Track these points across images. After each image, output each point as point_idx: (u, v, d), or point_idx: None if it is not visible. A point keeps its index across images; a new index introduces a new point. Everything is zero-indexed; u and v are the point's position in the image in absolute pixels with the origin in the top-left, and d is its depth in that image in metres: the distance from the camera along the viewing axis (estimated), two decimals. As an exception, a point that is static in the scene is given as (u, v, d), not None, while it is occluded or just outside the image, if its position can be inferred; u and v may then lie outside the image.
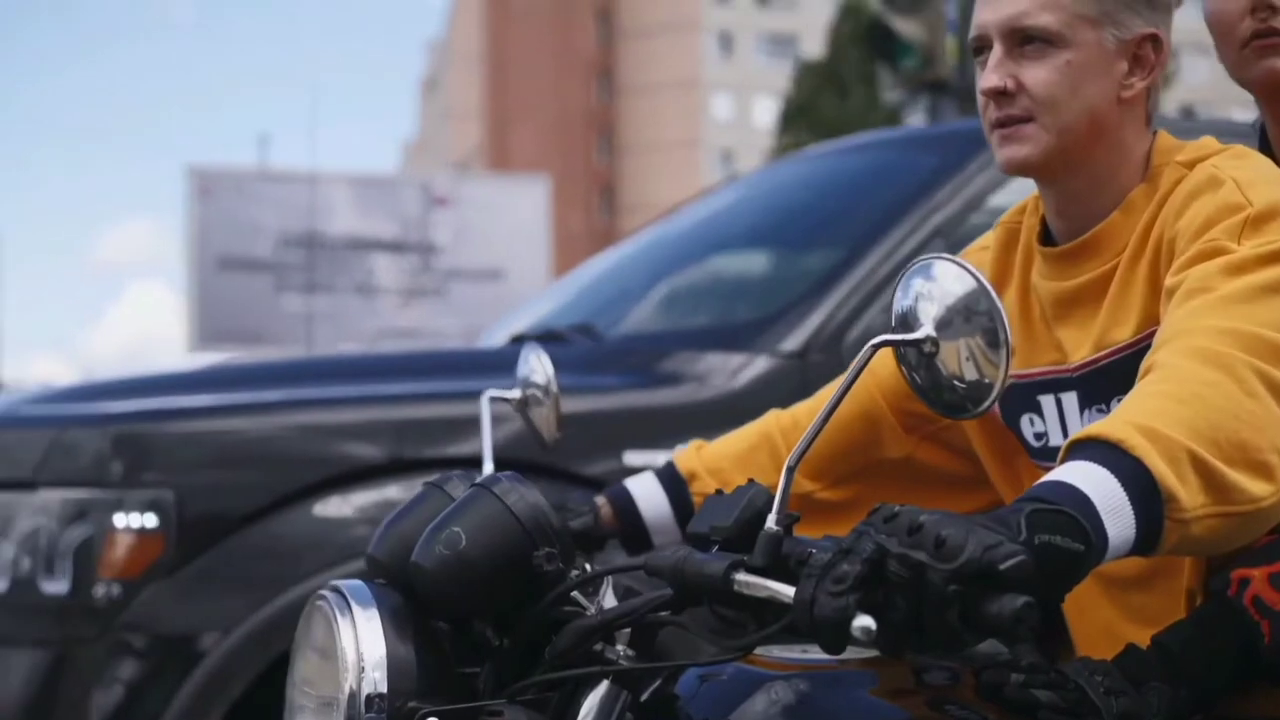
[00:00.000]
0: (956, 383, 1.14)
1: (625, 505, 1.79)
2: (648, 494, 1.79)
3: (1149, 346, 1.39)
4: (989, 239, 1.72)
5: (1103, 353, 1.52)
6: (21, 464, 2.53)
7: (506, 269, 19.75)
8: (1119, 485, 1.14)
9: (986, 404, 1.14)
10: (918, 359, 1.16)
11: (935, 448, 1.76)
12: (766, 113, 58.19)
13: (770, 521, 1.17)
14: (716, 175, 58.85)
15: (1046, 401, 1.60)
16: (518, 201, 20.88)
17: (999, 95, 1.54)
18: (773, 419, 1.83)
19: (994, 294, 1.12)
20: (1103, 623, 1.57)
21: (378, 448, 2.61)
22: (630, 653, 1.35)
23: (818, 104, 33.59)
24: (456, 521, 1.36)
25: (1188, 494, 1.17)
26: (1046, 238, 1.62)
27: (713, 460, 1.80)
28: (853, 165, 3.58)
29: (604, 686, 1.33)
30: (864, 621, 1.03)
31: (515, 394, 1.71)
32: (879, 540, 1.06)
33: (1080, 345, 1.55)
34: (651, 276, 3.50)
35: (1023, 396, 1.62)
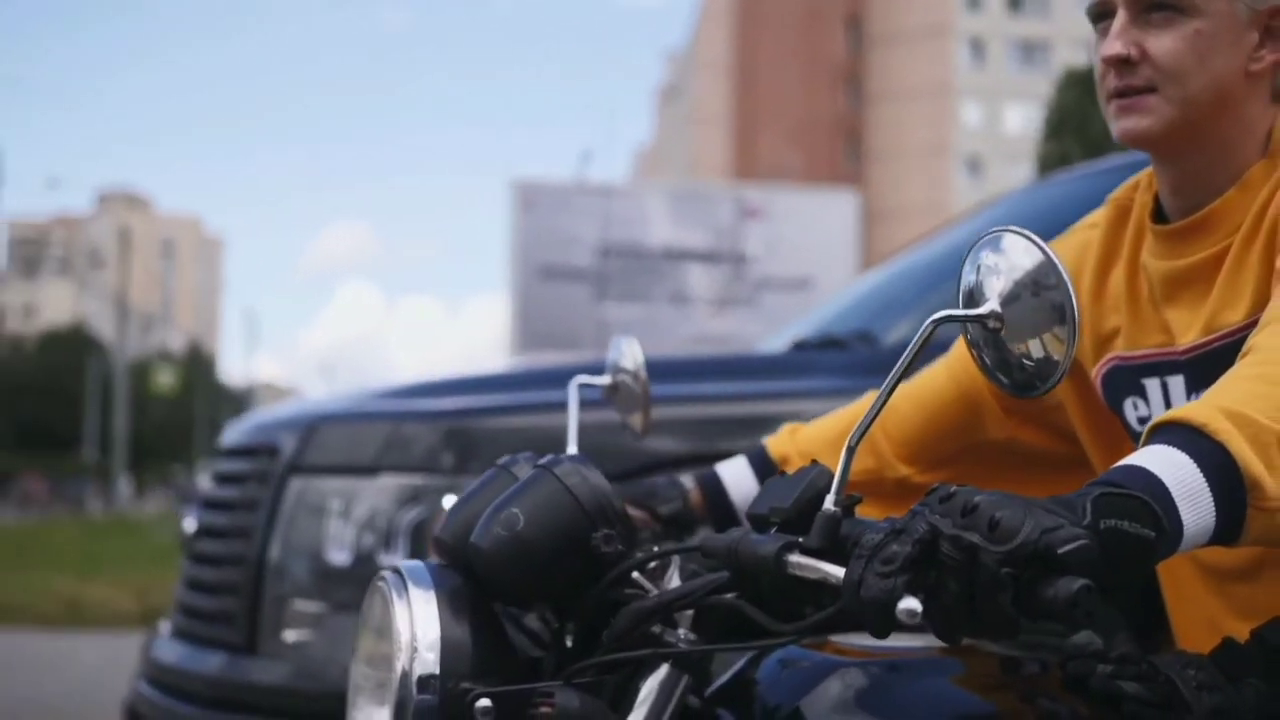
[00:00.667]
0: (1025, 360, 1.08)
1: (714, 489, 1.75)
2: (737, 478, 1.75)
3: None
4: (1099, 216, 1.64)
5: (1213, 335, 1.44)
6: (365, 452, 2.83)
7: (815, 278, 20.13)
8: (1198, 470, 1.08)
9: (1053, 381, 1.07)
10: (984, 336, 1.10)
11: (1037, 430, 1.69)
12: (1017, 119, 57.29)
13: (828, 503, 1.14)
14: (964, 183, 58.08)
15: (1152, 385, 1.53)
16: (827, 214, 21.31)
17: (1121, 64, 1.46)
18: (870, 400, 1.91)
19: (1062, 267, 1.06)
20: (1205, 615, 1.50)
21: (674, 442, 2.77)
22: (692, 636, 1.33)
23: (1088, 112, 33.04)
24: (515, 503, 1.35)
25: (1275, 482, 1.10)
26: (1159, 215, 1.54)
27: (806, 443, 1.76)
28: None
29: (663, 669, 1.32)
30: (910, 604, 1.00)
31: (605, 380, 1.65)
32: (932, 521, 1.02)
33: (1190, 327, 1.47)
34: (926, 287, 3.56)
35: (1128, 379, 1.55)
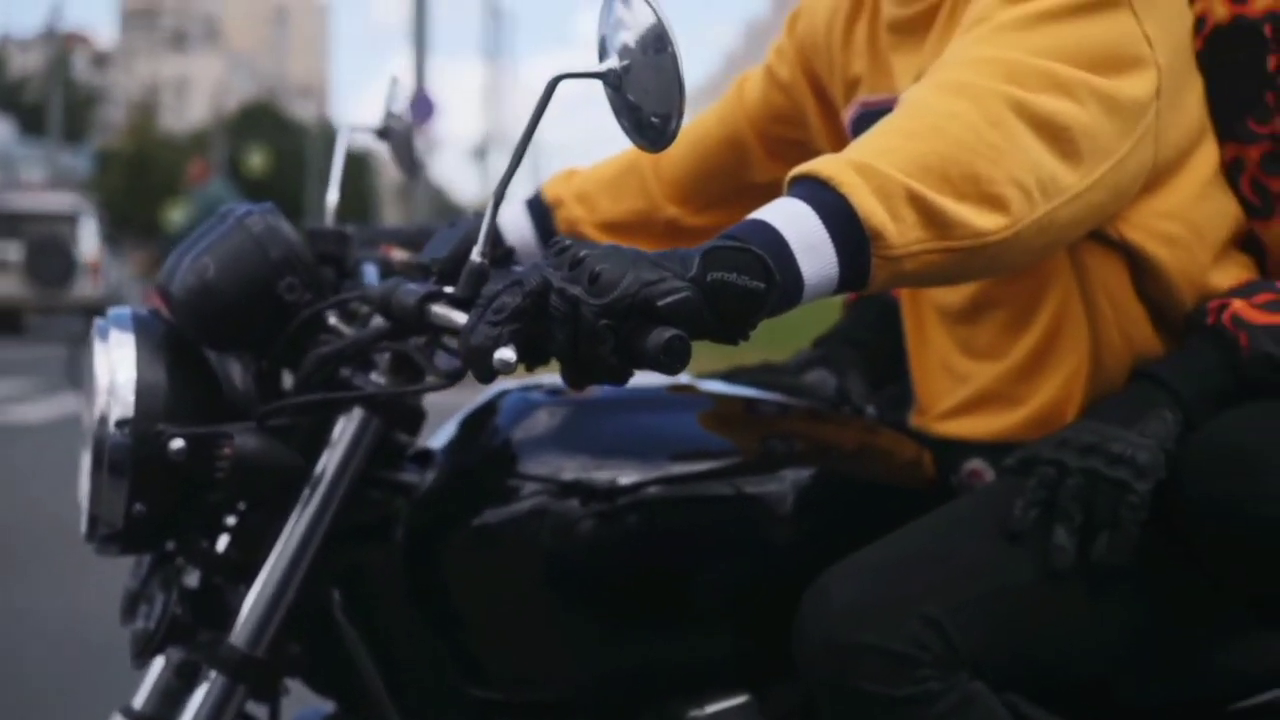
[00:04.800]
0: (653, 118, 1.08)
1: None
2: (515, 222, 1.76)
3: None
4: None
5: None
6: None
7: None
8: (820, 222, 1.10)
9: (669, 138, 1.07)
10: (612, 91, 1.09)
11: None
12: None
13: (475, 254, 1.15)
14: None
15: None
16: None
17: None
18: (628, 150, 1.78)
19: (670, 28, 1.06)
20: (939, 355, 1.57)
21: None
22: (383, 380, 1.38)
23: None
24: (208, 252, 1.38)
25: (899, 230, 1.13)
26: None
27: (580, 186, 1.77)
28: None
29: (355, 412, 1.37)
30: (505, 354, 1.01)
31: (375, 125, 1.64)
32: (546, 274, 1.04)
33: (906, 74, 1.52)
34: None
35: (869, 123, 1.52)
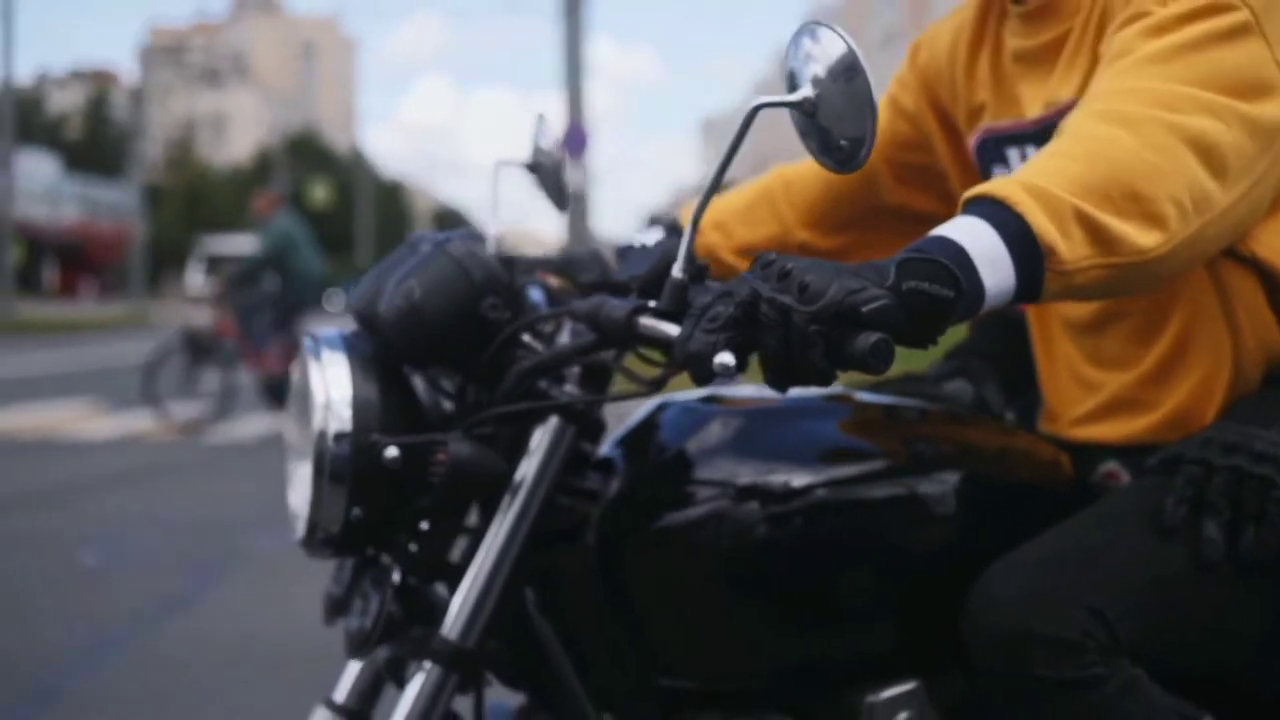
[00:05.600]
0: (842, 141, 1.15)
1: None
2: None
3: None
4: (970, 1, 1.77)
5: (1052, 109, 1.58)
6: None
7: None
8: (999, 239, 1.19)
9: (861, 159, 1.15)
10: (802, 120, 1.17)
11: (925, 195, 1.83)
12: None
13: (675, 270, 1.24)
14: None
15: (1013, 154, 1.66)
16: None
17: None
18: (776, 174, 1.91)
19: (862, 56, 1.15)
20: (1066, 363, 1.68)
21: None
22: (578, 391, 1.49)
23: None
24: (413, 276, 1.47)
25: (1069, 247, 1.21)
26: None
27: (716, 215, 1.88)
28: None
29: (552, 421, 1.47)
30: (724, 358, 1.10)
31: (526, 160, 1.69)
32: (754, 285, 1.13)
33: (1035, 101, 1.61)
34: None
35: (994, 148, 1.69)
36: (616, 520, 1.50)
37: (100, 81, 69.83)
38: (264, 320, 11.41)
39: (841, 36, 1.16)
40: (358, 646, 1.45)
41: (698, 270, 1.26)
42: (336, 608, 1.53)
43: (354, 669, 1.56)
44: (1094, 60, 1.53)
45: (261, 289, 11.50)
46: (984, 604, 1.38)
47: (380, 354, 1.48)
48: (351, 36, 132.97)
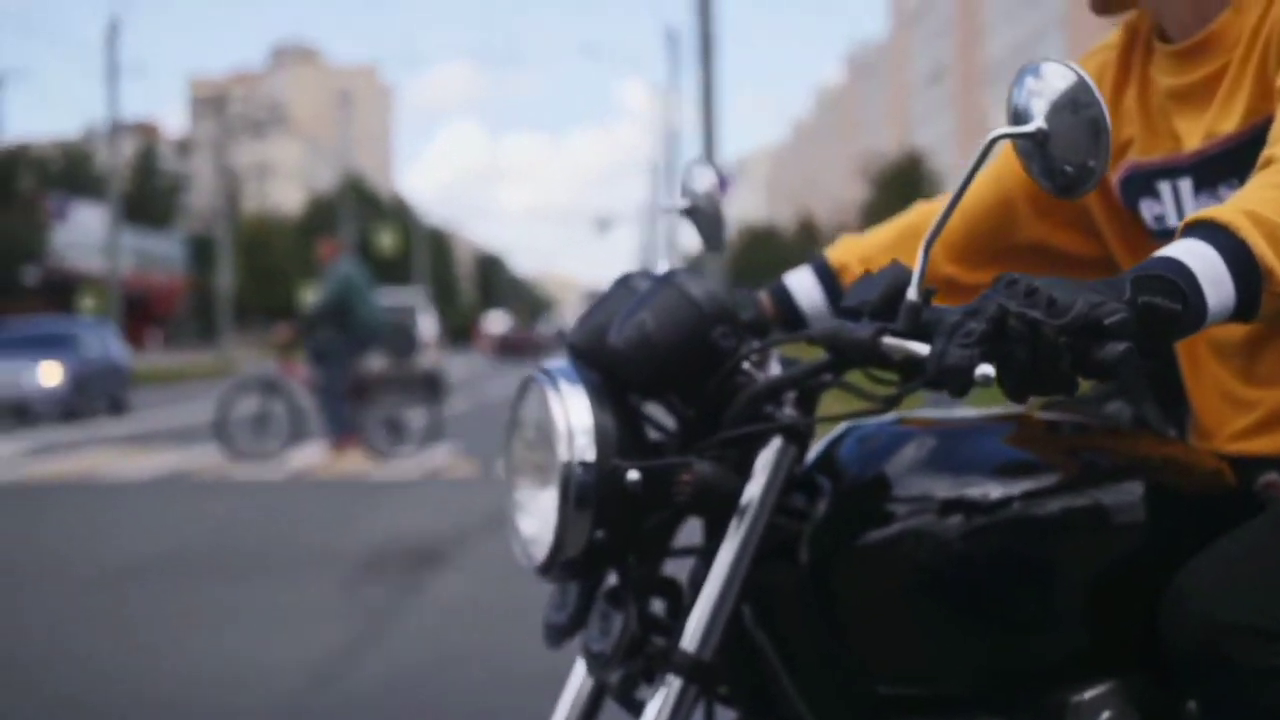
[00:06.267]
0: (1066, 167, 1.25)
1: (783, 297, 1.95)
2: (804, 286, 1.95)
3: (1253, 136, 1.57)
4: (1114, 38, 1.82)
5: (1212, 142, 1.64)
6: None
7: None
8: (1221, 260, 1.28)
9: (1092, 183, 1.26)
10: (1031, 148, 1.27)
11: (1067, 231, 1.89)
12: None
13: (910, 294, 1.34)
14: None
15: (1164, 186, 1.72)
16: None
17: None
18: (917, 211, 1.99)
19: (1094, 87, 1.24)
20: (1215, 383, 1.75)
21: None
22: (795, 413, 1.55)
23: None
24: (644, 309, 1.55)
25: None
26: (1164, 34, 1.73)
27: (863, 251, 1.96)
28: None
29: (776, 441, 1.53)
30: (985, 369, 1.20)
31: (683, 204, 1.76)
32: (1000, 302, 1.22)
33: (1192, 135, 1.66)
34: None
35: (1143, 182, 1.75)
36: (825, 538, 1.58)
37: (145, 134, 70.40)
38: (336, 366, 12.00)
39: (1071, 69, 1.26)
40: (602, 666, 1.53)
41: (927, 294, 1.34)
42: (561, 633, 1.61)
43: (570, 693, 1.63)
44: (1256, 92, 1.60)
45: (329, 334, 12.06)
46: (1183, 600, 1.48)
47: (608, 386, 1.56)
48: (387, 84, 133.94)
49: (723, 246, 1.76)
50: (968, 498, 1.54)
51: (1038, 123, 1.27)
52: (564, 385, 1.54)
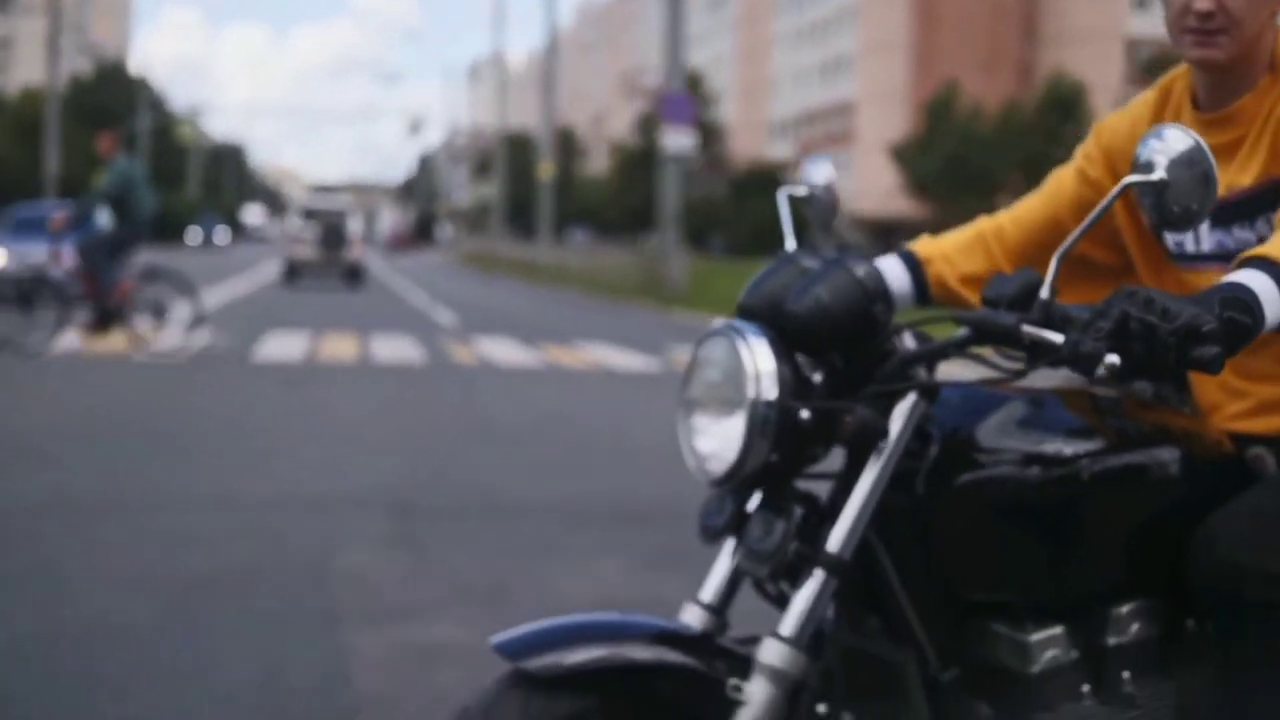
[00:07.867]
0: (1175, 208, 1.67)
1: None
2: (894, 273, 2.28)
3: (1262, 191, 2.03)
4: (1150, 96, 2.25)
5: (1230, 193, 2.04)
6: None
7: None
8: (1274, 286, 1.71)
9: (1196, 223, 1.71)
10: (1151, 193, 1.68)
11: (1101, 247, 2.25)
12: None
13: (1043, 292, 1.74)
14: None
15: None
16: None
17: (1204, 14, 2.05)
18: (984, 222, 2.34)
19: (1208, 150, 1.67)
20: (1218, 378, 2.00)
21: None
22: (928, 376, 1.91)
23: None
24: (819, 284, 1.89)
25: None
26: (1196, 102, 2.17)
27: (943, 248, 2.32)
28: None
29: (912, 396, 1.88)
30: (1113, 359, 1.61)
31: (802, 191, 2.16)
32: (1124, 307, 1.62)
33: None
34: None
35: None
36: (936, 475, 1.95)
37: None
38: (104, 256, 12.49)
39: (1189, 135, 1.69)
40: (763, 560, 1.87)
41: (1053, 293, 1.75)
42: (717, 533, 1.94)
43: (718, 575, 1.96)
44: (1268, 157, 2.05)
45: (100, 226, 12.81)
46: (1212, 543, 1.94)
47: (780, 341, 1.90)
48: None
49: (833, 232, 2.16)
50: (1043, 453, 1.97)
51: (1160, 174, 1.68)
52: (751, 338, 1.88)
